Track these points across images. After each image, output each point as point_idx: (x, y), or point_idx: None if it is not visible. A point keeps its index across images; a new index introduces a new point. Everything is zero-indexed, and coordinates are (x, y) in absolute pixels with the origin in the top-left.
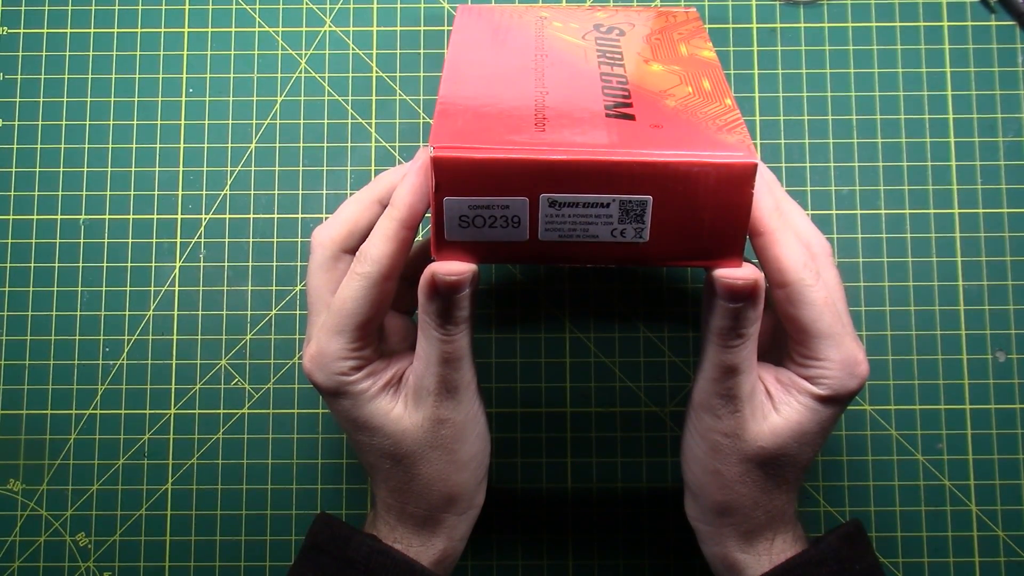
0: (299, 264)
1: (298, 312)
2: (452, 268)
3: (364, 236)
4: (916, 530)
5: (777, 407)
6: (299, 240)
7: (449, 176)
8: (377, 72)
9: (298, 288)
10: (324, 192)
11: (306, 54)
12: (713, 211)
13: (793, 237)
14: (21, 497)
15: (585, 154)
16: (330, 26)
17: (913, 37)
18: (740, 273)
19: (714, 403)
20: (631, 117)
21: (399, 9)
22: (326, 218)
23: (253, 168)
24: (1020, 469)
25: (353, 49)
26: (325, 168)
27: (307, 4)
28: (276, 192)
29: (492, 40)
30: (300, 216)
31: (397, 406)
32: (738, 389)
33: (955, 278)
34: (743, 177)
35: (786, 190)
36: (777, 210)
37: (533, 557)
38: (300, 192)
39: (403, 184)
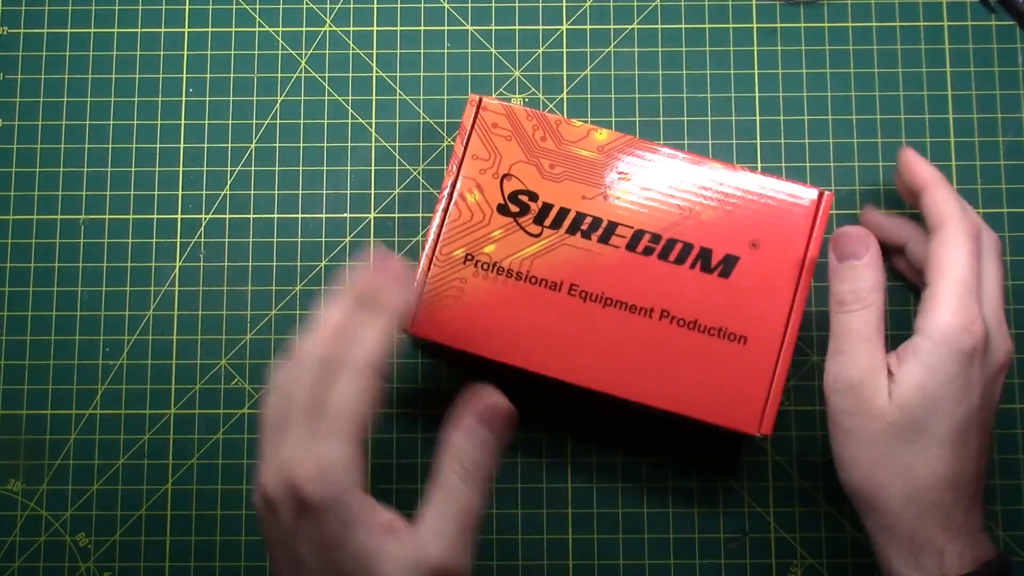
0: (299, 264)
1: (298, 312)
2: (501, 399)
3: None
4: None
5: (900, 366)
6: (299, 240)
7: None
8: (377, 72)
9: (298, 288)
10: (324, 192)
11: (306, 54)
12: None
13: (951, 192)
14: (21, 497)
15: None
16: (330, 26)
17: (913, 37)
18: (851, 228)
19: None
20: None
21: (399, 9)
22: (325, 219)
23: (253, 168)
24: (1020, 469)
25: (353, 49)
26: (325, 168)
27: (307, 4)
28: (276, 192)
29: None
30: (300, 216)
31: (390, 546)
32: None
33: None
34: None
35: None
36: (936, 172)
37: (533, 557)
38: (300, 192)
39: (371, 332)
